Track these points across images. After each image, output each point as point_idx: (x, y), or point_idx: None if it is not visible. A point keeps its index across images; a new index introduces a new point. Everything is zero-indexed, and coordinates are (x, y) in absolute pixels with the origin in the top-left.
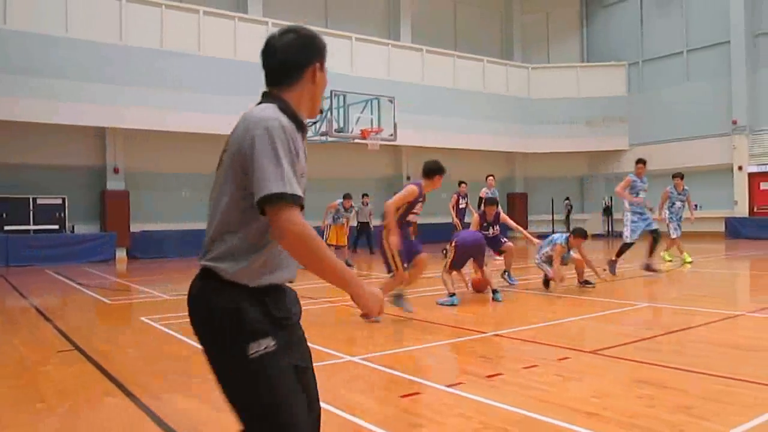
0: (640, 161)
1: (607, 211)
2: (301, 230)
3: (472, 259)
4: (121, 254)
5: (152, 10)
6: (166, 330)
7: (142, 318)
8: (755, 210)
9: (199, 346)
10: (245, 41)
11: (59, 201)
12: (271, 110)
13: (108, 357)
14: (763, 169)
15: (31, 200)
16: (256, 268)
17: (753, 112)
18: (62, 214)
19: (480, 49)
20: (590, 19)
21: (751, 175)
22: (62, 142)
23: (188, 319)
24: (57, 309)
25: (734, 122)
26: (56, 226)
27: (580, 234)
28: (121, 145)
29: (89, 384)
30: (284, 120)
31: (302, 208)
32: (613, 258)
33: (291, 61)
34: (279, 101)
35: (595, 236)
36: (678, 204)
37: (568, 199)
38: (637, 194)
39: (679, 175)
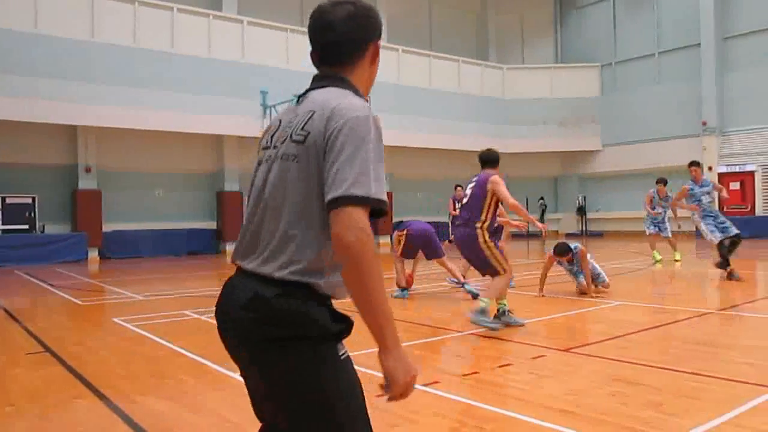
0: (693, 164)
1: (581, 210)
2: (370, 242)
3: (422, 251)
4: (93, 254)
5: (125, 7)
6: (139, 331)
7: (115, 319)
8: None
9: (258, 363)
10: (219, 39)
11: (29, 200)
12: (352, 97)
13: (79, 359)
14: (732, 169)
15: None
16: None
17: (722, 114)
18: (32, 214)
19: (455, 50)
20: (564, 20)
21: (720, 176)
22: (32, 141)
23: (240, 333)
24: (26, 310)
25: (704, 123)
26: (26, 226)
27: (558, 252)
28: (93, 143)
29: (60, 387)
30: (372, 110)
31: (384, 215)
32: (722, 264)
33: (353, 36)
34: (350, 86)
35: (570, 235)
36: (658, 209)
37: (542, 198)
38: (699, 201)
39: (662, 181)
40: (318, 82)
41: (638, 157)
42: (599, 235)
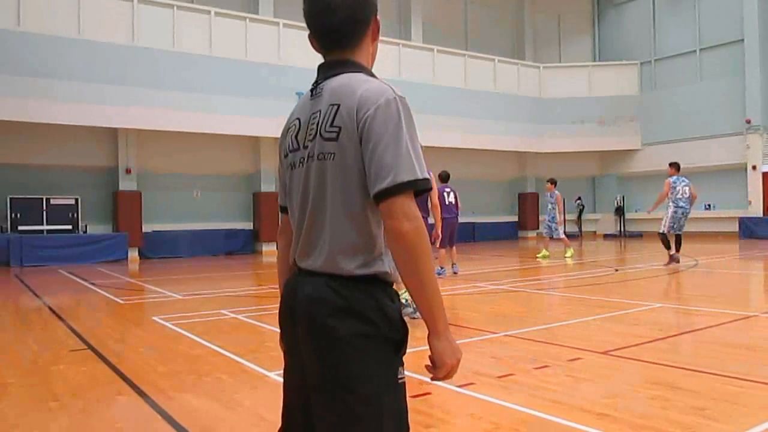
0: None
1: (619, 210)
2: (423, 228)
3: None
4: (133, 254)
5: (164, 12)
6: (177, 329)
7: (154, 317)
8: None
9: (322, 368)
10: (256, 42)
11: (72, 201)
12: (371, 81)
13: (120, 356)
14: None
15: (44, 201)
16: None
17: (767, 111)
18: (75, 215)
19: (491, 49)
20: (602, 18)
21: (765, 175)
22: (75, 143)
23: (318, 337)
24: (70, 308)
25: (748, 121)
26: (69, 227)
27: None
28: (133, 145)
29: (101, 383)
30: (399, 91)
31: (429, 190)
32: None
33: (355, 17)
34: (362, 69)
35: (608, 236)
36: (549, 206)
37: (579, 198)
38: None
39: (549, 180)
40: (328, 71)
41: (679, 156)
42: (638, 236)
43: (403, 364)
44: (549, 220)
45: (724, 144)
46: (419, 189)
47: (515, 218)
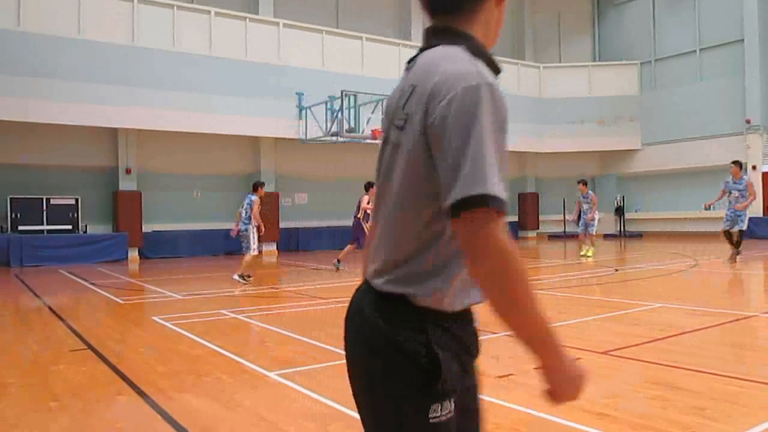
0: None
1: (619, 211)
2: (508, 253)
3: None
4: (133, 254)
5: (164, 12)
6: (178, 329)
7: (154, 317)
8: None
9: (357, 388)
10: (256, 42)
11: (72, 201)
12: (466, 60)
13: (120, 356)
14: None
15: (44, 201)
16: (457, 287)
17: (767, 111)
18: (75, 215)
19: (491, 49)
20: (602, 18)
21: (765, 175)
22: (75, 143)
23: (347, 354)
24: (70, 308)
25: (748, 121)
26: (69, 227)
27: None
28: (133, 145)
29: (101, 383)
30: (488, 75)
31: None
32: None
33: None
34: (466, 40)
35: (608, 236)
36: (585, 206)
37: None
38: (730, 193)
39: (582, 182)
40: (426, 41)
41: (679, 156)
42: (638, 236)
43: (445, 399)
44: (585, 219)
45: (724, 144)
46: (501, 209)
47: (515, 218)
